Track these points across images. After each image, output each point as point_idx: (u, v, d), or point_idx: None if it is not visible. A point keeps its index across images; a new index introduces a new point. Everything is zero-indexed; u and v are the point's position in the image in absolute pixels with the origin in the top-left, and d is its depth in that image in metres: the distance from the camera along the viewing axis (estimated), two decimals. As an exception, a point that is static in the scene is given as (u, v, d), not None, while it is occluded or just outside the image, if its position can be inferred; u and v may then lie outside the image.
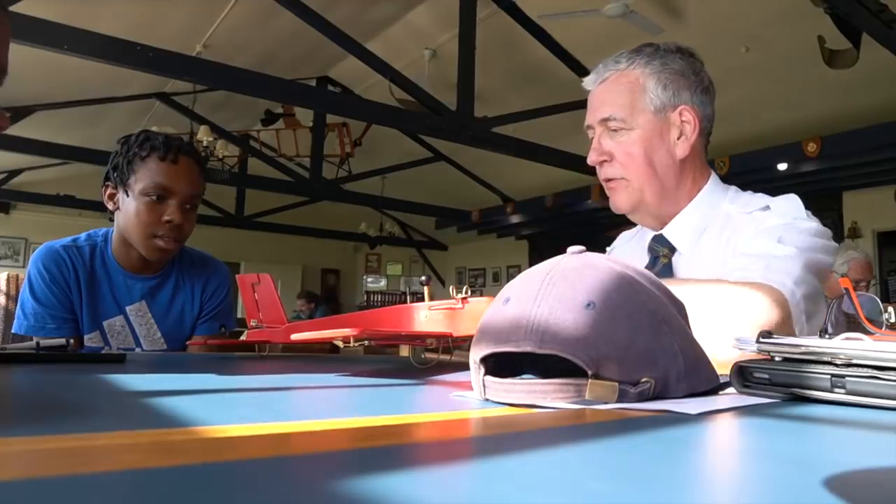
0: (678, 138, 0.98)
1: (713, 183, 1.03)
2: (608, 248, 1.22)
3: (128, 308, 1.38)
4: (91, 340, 1.36)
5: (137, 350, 1.37)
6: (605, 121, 1.01)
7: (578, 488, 0.23)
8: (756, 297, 0.79)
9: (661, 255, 1.01)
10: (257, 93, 4.33)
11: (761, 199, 0.98)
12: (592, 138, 1.04)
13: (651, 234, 1.05)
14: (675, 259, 1.00)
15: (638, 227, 1.14)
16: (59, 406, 0.44)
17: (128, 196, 1.33)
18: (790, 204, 0.95)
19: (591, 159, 1.03)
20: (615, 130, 1.00)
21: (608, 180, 1.03)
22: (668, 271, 1.00)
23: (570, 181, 6.82)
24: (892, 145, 5.09)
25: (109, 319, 1.37)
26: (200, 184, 1.39)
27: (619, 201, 1.03)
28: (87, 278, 1.36)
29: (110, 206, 1.38)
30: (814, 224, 0.92)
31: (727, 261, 0.92)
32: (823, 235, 0.93)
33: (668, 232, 1.02)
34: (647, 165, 0.99)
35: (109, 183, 1.38)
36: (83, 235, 1.41)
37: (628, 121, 0.98)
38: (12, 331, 1.34)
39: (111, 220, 1.41)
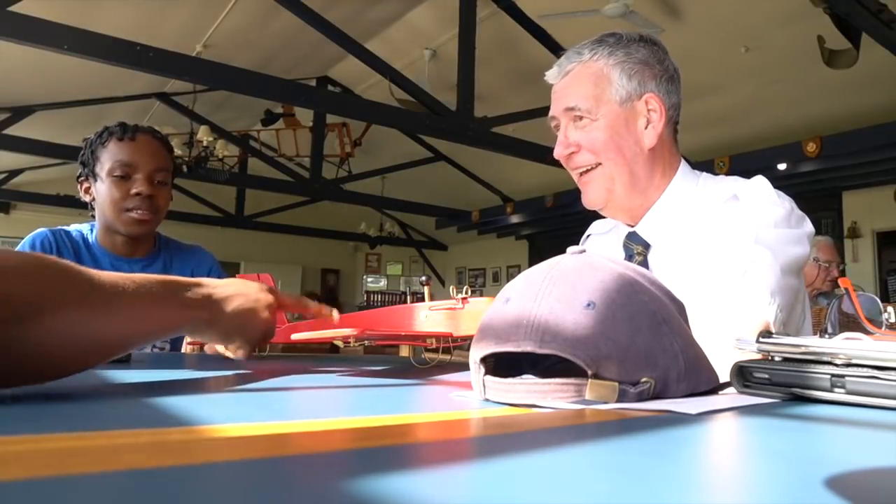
0: (645, 127, 0.96)
1: (682, 173, 1.01)
2: (583, 236, 1.20)
3: None
4: None
5: None
6: (569, 110, 0.98)
7: (579, 488, 0.23)
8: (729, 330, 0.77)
9: (636, 252, 1.00)
10: (257, 93, 4.33)
11: (730, 185, 0.96)
12: (558, 132, 1.02)
13: (626, 230, 1.04)
14: (650, 256, 0.99)
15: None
16: (61, 405, 0.44)
17: (98, 182, 1.42)
18: (758, 189, 0.93)
19: (558, 152, 1.01)
20: (580, 119, 0.97)
21: (581, 173, 1.01)
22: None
23: (571, 181, 6.60)
24: (892, 145, 5.09)
25: None
26: (166, 158, 1.46)
27: (592, 192, 1.01)
28: (74, 261, 1.40)
29: (87, 198, 1.46)
30: (784, 208, 0.91)
31: (704, 258, 0.91)
32: (797, 221, 0.92)
33: (642, 228, 1.00)
34: (616, 151, 0.96)
35: (82, 179, 1.46)
36: (72, 226, 1.50)
37: (593, 111, 0.96)
38: None
39: (93, 216, 1.48)
